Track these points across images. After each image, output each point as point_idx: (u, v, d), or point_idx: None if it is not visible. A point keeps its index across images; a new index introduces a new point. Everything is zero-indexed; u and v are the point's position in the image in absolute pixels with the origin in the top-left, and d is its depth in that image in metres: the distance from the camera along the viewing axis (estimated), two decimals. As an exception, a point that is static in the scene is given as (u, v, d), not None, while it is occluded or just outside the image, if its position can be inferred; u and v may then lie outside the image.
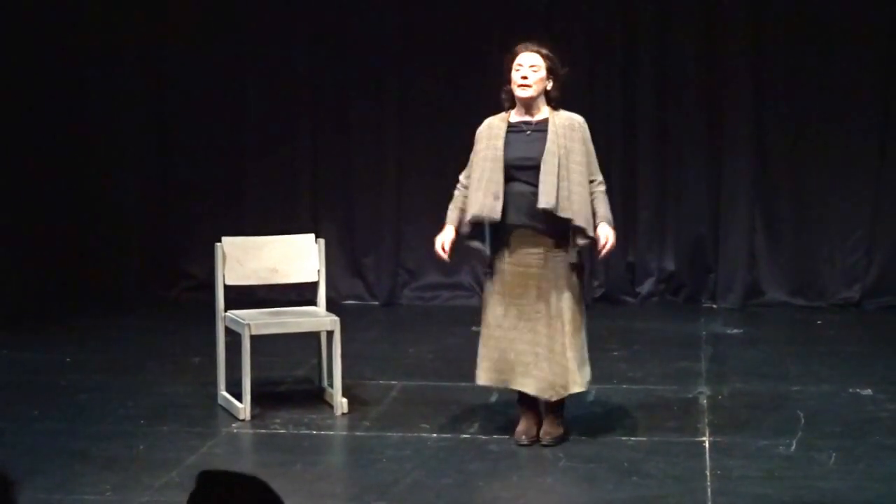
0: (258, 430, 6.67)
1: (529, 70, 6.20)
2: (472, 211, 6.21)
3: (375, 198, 9.92)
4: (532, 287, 6.18)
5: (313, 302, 7.21)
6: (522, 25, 8.97)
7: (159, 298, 9.92)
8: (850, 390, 7.30)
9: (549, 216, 6.11)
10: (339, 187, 9.98)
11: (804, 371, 7.78)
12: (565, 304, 6.17)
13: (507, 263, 6.22)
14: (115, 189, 10.07)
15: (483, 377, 6.35)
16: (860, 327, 9.08)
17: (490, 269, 6.30)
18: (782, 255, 9.67)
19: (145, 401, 7.18)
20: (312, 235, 7.27)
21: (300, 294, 8.13)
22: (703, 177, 9.72)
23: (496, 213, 6.16)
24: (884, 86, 9.43)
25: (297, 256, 7.14)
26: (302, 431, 6.61)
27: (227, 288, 6.97)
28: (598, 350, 7.91)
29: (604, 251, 6.25)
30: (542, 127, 6.21)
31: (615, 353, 8.23)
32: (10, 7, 9.36)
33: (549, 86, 6.25)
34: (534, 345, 6.19)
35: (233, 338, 6.90)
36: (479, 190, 6.20)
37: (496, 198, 6.16)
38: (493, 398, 6.96)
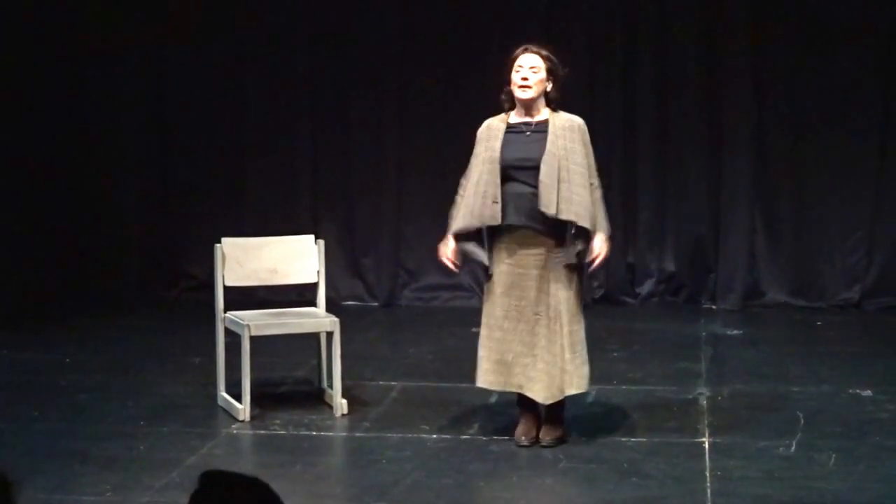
0: (258, 431, 6.66)
1: (530, 71, 6.21)
2: (467, 220, 6.21)
3: (375, 198, 9.92)
4: (531, 288, 6.18)
5: (313, 303, 7.21)
6: (522, 26, 8.99)
7: (159, 298, 9.92)
8: (850, 391, 7.30)
9: (549, 217, 6.11)
10: (339, 187, 9.98)
11: (804, 372, 7.78)
12: (564, 305, 6.17)
13: (507, 264, 6.22)
14: (115, 189, 10.08)
15: (483, 379, 6.35)
16: (860, 328, 9.08)
17: (489, 270, 6.30)
18: (782, 256, 9.68)
19: (145, 401, 7.18)
20: (312, 236, 7.27)
21: (300, 295, 8.13)
22: (703, 177, 9.72)
23: (496, 218, 6.16)
24: (884, 86, 9.43)
25: (296, 257, 7.14)
26: (302, 432, 6.61)
27: (226, 288, 6.97)
28: (598, 350, 7.91)
29: (595, 263, 6.26)
30: (542, 128, 6.22)
31: (615, 354, 8.24)
32: (9, 7, 9.36)
33: (549, 87, 6.25)
34: (532, 346, 6.19)
35: (233, 338, 6.89)
36: (478, 194, 6.20)
37: (494, 201, 6.16)
38: (493, 399, 6.96)
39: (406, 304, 9.94)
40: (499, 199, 6.16)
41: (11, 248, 9.37)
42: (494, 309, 6.26)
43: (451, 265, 6.42)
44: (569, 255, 6.17)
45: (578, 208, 6.12)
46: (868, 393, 7.24)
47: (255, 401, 6.86)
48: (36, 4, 9.61)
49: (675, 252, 9.79)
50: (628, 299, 9.83)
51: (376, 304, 9.93)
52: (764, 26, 9.52)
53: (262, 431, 6.65)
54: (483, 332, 6.32)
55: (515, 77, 6.22)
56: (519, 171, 6.17)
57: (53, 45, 9.69)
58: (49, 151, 9.75)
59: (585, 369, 6.29)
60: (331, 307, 7.32)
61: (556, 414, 6.37)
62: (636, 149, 9.75)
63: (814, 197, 9.59)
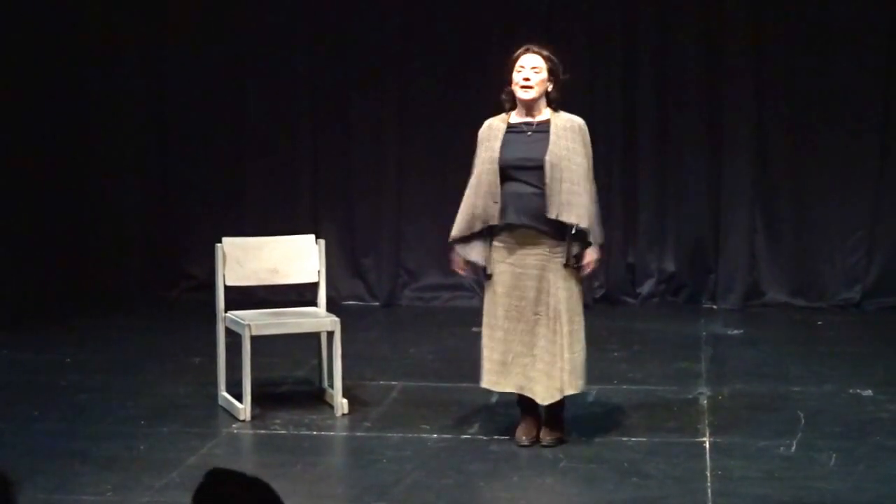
0: (258, 431, 6.66)
1: (531, 72, 6.21)
2: (467, 223, 6.24)
3: (375, 198, 9.92)
4: (531, 288, 6.18)
5: (313, 302, 7.21)
6: (523, 26, 8.99)
7: (159, 298, 9.92)
8: (851, 391, 7.30)
9: (552, 218, 6.13)
10: (339, 187, 9.98)
11: (804, 372, 7.78)
12: (564, 305, 6.17)
13: (507, 264, 6.22)
14: (115, 189, 10.08)
15: (487, 380, 6.35)
16: (860, 328, 9.08)
17: (486, 270, 6.30)
18: (782, 256, 9.68)
19: (145, 401, 7.18)
20: (312, 236, 7.27)
21: (300, 294, 8.13)
22: (703, 177, 9.72)
23: (495, 217, 6.18)
24: (884, 86, 9.43)
25: (297, 257, 7.14)
26: (302, 432, 6.61)
27: (227, 288, 6.97)
28: (598, 350, 7.93)
29: (586, 270, 6.27)
30: (544, 128, 6.22)
31: (615, 354, 8.24)
32: (9, 7, 9.36)
33: (550, 87, 6.26)
34: (532, 347, 6.19)
35: (233, 338, 6.89)
36: (478, 195, 6.22)
37: (494, 201, 6.17)
38: (494, 399, 6.95)
39: (406, 303, 9.93)
40: (498, 199, 6.16)
41: (11, 248, 9.36)
42: (495, 309, 6.26)
43: (463, 273, 6.49)
44: (567, 255, 6.17)
45: (580, 210, 6.12)
46: (868, 393, 7.24)
47: (256, 401, 6.86)
48: (36, 4, 9.61)
49: (676, 252, 9.79)
50: (628, 299, 9.83)
51: (377, 303, 9.93)
52: (764, 26, 9.52)
53: (263, 431, 6.65)
54: (485, 332, 6.32)
55: (517, 77, 6.22)
56: (520, 170, 6.17)
57: (53, 46, 9.69)
58: (49, 151, 9.75)
59: (583, 370, 6.28)
60: (331, 307, 7.32)
61: (556, 414, 6.37)
62: (636, 149, 9.75)
63: (814, 197, 9.59)
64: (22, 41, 9.46)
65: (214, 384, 7.05)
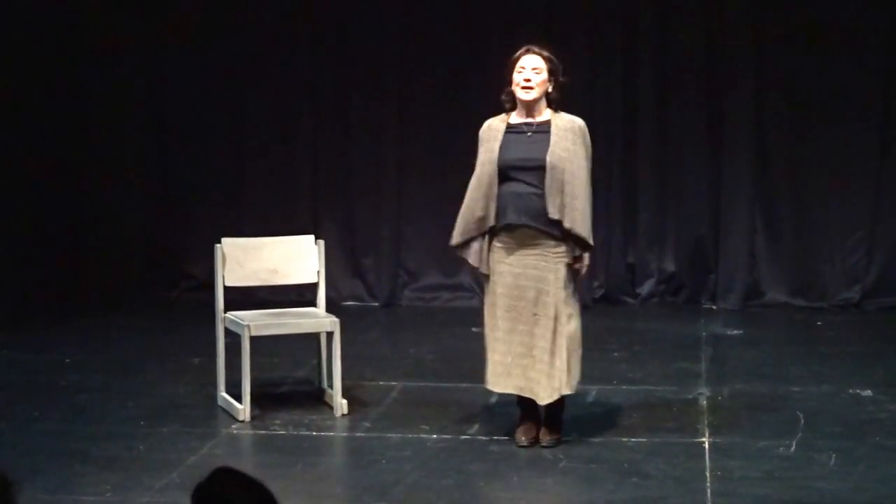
0: (258, 431, 6.66)
1: (532, 72, 6.21)
2: (466, 225, 6.25)
3: (375, 198, 9.92)
4: (530, 289, 6.18)
5: (313, 303, 7.21)
6: (523, 26, 8.98)
7: (159, 299, 9.91)
8: (851, 391, 7.30)
9: (554, 219, 6.13)
10: (339, 187, 9.98)
11: (804, 372, 7.78)
12: (563, 305, 6.17)
13: (506, 264, 6.22)
14: (115, 189, 10.08)
15: (492, 381, 6.35)
16: (860, 328, 9.08)
17: (482, 270, 6.31)
18: (782, 256, 9.67)
19: (145, 401, 7.18)
20: (312, 236, 7.27)
21: (300, 295, 8.13)
22: (703, 177, 9.72)
23: (491, 219, 6.19)
24: (884, 86, 9.43)
25: (296, 257, 7.14)
26: (302, 432, 6.61)
27: (227, 289, 6.97)
28: (598, 350, 7.94)
29: (583, 271, 6.28)
30: (545, 128, 6.22)
31: (615, 354, 8.24)
32: (10, 7, 9.36)
33: (551, 88, 6.26)
34: (531, 347, 6.19)
35: (233, 339, 6.89)
36: (478, 198, 6.23)
37: (492, 201, 6.18)
38: (494, 399, 6.95)
39: (406, 304, 9.93)
40: (494, 200, 6.17)
41: (11, 248, 9.36)
42: (496, 309, 6.27)
43: (476, 267, 6.45)
44: (569, 255, 6.18)
45: (577, 214, 6.13)
46: (868, 393, 7.24)
47: (256, 401, 6.86)
48: (36, 4, 9.61)
49: (676, 252, 9.79)
50: (628, 299, 9.82)
51: (376, 304, 9.93)
52: (764, 26, 9.52)
53: (263, 431, 6.65)
54: (487, 333, 6.32)
55: (518, 78, 6.22)
56: (519, 171, 6.17)
57: (53, 45, 9.68)
58: (49, 151, 9.75)
59: (578, 371, 6.28)
60: (331, 307, 7.32)
61: (556, 414, 6.37)
62: (636, 149, 9.75)
63: (814, 197, 9.59)
64: (22, 41, 9.46)
65: (214, 384, 7.05)
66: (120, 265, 10.04)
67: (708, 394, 7.27)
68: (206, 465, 5.33)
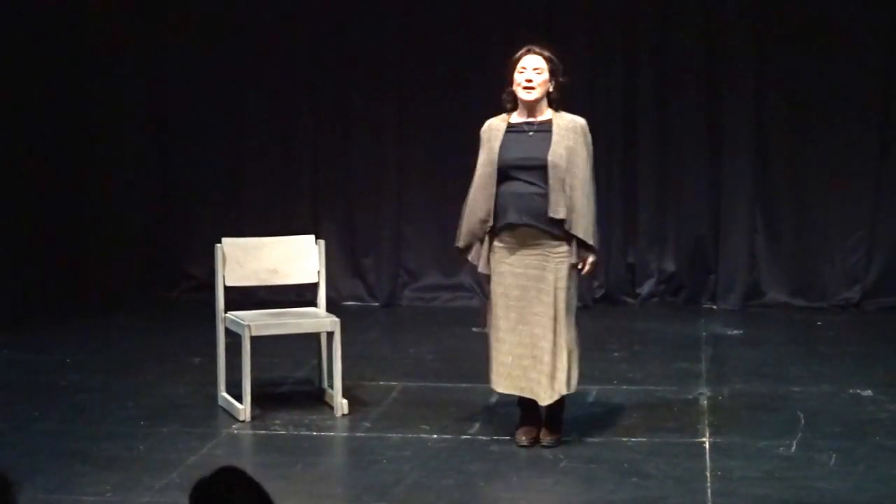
0: (258, 431, 6.66)
1: (533, 73, 6.21)
2: (470, 226, 6.25)
3: (375, 198, 9.92)
4: (531, 289, 6.18)
5: (313, 303, 7.21)
6: (522, 26, 8.98)
7: (159, 299, 9.92)
8: (851, 391, 7.30)
9: (557, 219, 6.13)
10: (339, 187, 9.98)
11: (804, 372, 7.78)
12: (563, 304, 6.17)
13: (507, 264, 6.22)
14: (115, 189, 10.08)
15: (493, 381, 6.35)
16: (860, 328, 9.08)
17: (487, 272, 6.31)
18: (782, 256, 9.67)
19: (145, 401, 7.18)
20: (312, 236, 7.27)
21: (300, 295, 8.12)
22: (703, 177, 9.72)
23: (491, 219, 6.18)
24: (884, 86, 9.44)
25: (297, 257, 7.14)
26: (302, 432, 6.61)
27: (227, 289, 6.97)
28: (598, 350, 7.95)
29: (586, 269, 6.28)
30: (546, 127, 6.22)
31: (615, 354, 8.24)
32: (10, 7, 9.36)
33: (551, 88, 6.26)
34: (531, 348, 6.19)
35: (233, 339, 6.89)
36: (479, 197, 6.24)
37: (492, 201, 6.17)
38: (494, 399, 6.95)
39: (406, 304, 9.93)
40: (496, 200, 6.17)
41: (11, 248, 9.36)
42: (497, 310, 6.27)
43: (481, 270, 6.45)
44: (570, 255, 6.18)
45: (577, 216, 6.13)
46: (868, 393, 7.24)
47: (256, 401, 6.86)
48: (36, 5, 9.61)
49: (676, 252, 9.79)
50: (628, 299, 9.83)
51: (377, 304, 9.93)
52: (764, 26, 9.52)
53: (263, 431, 6.65)
54: (492, 333, 6.32)
55: (519, 78, 6.22)
56: (521, 170, 6.17)
57: (54, 45, 9.68)
58: (49, 151, 9.75)
59: (576, 371, 6.28)
60: (331, 307, 7.32)
61: (556, 414, 6.37)
62: (636, 149, 9.75)
63: (814, 197, 9.59)
64: (22, 41, 9.46)
65: (214, 384, 7.05)
66: (120, 265, 10.04)
67: (708, 394, 7.27)
68: (206, 465, 5.33)
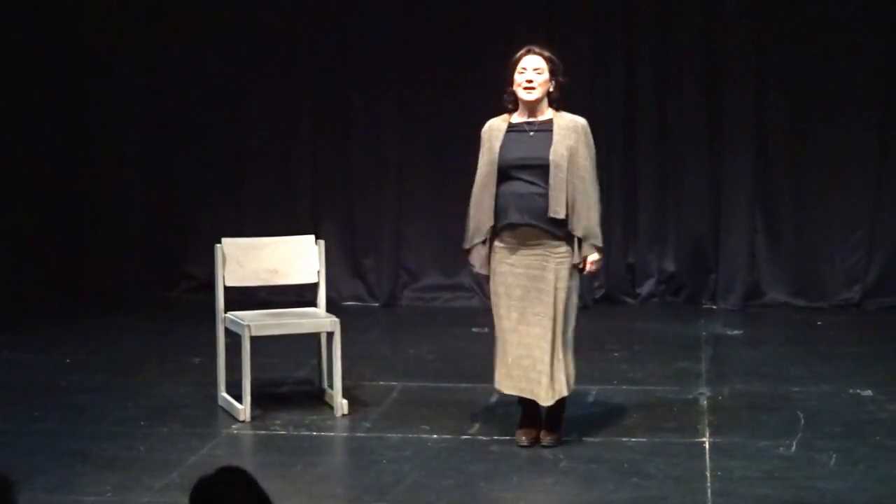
0: (258, 432, 6.66)
1: (534, 73, 6.21)
2: (478, 224, 6.25)
3: (375, 198, 9.92)
4: (531, 289, 6.18)
5: (313, 303, 7.21)
6: (523, 25, 8.99)
7: (159, 299, 9.92)
8: (851, 391, 7.29)
9: (558, 219, 6.14)
10: (339, 187, 9.98)
11: (804, 372, 7.78)
12: (563, 305, 6.17)
13: (507, 265, 6.22)
14: (115, 189, 10.08)
15: (497, 381, 6.34)
16: (860, 328, 9.08)
17: (487, 272, 6.31)
18: (782, 256, 9.68)
19: (145, 401, 7.18)
20: (312, 236, 7.27)
21: (300, 295, 8.11)
22: (703, 177, 9.72)
23: (491, 219, 6.19)
24: (884, 86, 9.44)
25: (297, 257, 7.14)
26: (302, 433, 6.61)
27: (227, 289, 6.97)
28: (598, 350, 7.95)
29: (589, 268, 6.28)
30: (547, 127, 6.22)
31: (615, 354, 8.24)
32: (10, 7, 9.36)
33: (552, 88, 6.26)
34: (532, 348, 6.18)
35: (233, 339, 6.89)
36: (481, 197, 6.24)
37: (493, 201, 6.18)
38: (494, 399, 6.95)
39: (406, 304, 9.93)
40: (497, 199, 6.17)
41: (11, 248, 9.37)
42: (499, 310, 6.27)
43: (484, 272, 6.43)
44: (572, 255, 6.18)
45: (578, 217, 6.13)
46: (868, 393, 7.24)
47: (256, 401, 6.86)
48: (37, 5, 9.61)
49: (676, 252, 9.80)
50: (628, 299, 9.83)
51: (377, 304, 9.93)
52: (764, 26, 9.52)
53: (263, 432, 6.65)
54: (497, 334, 6.31)
55: (519, 78, 6.22)
56: (521, 170, 6.17)
57: (54, 45, 9.69)
58: (49, 151, 9.75)
59: (573, 371, 6.29)
60: (331, 307, 7.32)
61: (556, 415, 6.37)
62: (636, 149, 9.75)
63: (814, 197, 9.59)
64: (22, 41, 9.47)
65: (214, 384, 7.05)
66: (120, 265, 10.05)
67: (708, 394, 7.27)
68: (206, 466, 5.33)
